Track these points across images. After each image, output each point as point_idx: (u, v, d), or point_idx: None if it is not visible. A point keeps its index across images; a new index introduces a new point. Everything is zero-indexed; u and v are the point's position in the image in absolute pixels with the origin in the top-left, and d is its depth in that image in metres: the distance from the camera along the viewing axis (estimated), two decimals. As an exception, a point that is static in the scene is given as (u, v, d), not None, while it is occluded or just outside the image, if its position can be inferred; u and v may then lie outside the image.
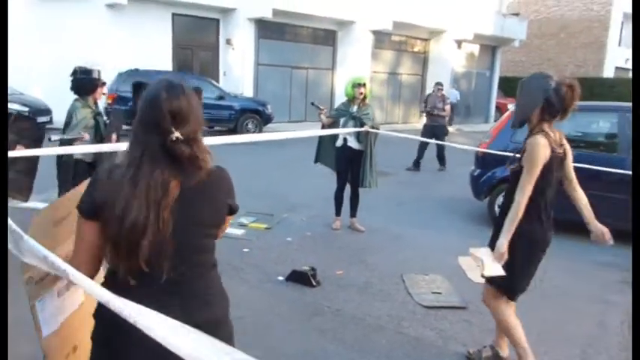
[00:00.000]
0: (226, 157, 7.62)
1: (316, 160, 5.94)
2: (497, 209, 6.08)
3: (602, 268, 4.86)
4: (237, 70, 16.57)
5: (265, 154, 10.71)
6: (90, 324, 1.48)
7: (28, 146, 3.68)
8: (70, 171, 4.39)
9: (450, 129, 12.92)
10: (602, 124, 6.29)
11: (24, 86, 13.04)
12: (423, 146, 9.87)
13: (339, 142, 5.54)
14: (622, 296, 4.23)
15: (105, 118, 4.81)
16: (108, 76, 12.34)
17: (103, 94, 4.81)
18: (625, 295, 4.27)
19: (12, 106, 11.41)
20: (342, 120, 5.51)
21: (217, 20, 16.76)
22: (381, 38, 19.37)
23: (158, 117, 1.40)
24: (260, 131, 13.69)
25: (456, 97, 19.01)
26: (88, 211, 1.40)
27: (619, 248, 5.42)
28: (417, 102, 21.67)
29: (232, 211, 1.61)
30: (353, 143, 5.48)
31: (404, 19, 18.15)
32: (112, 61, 13.39)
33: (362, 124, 5.35)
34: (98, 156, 4.29)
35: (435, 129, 10.10)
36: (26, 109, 11.82)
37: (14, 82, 13.21)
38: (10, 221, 1.39)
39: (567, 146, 2.72)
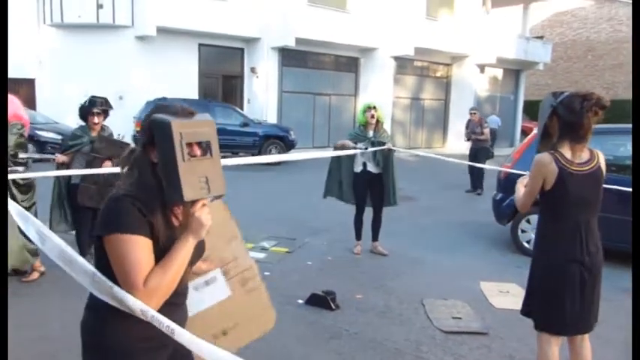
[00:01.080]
0: (249, 182, 7.80)
1: (325, 195, 5.89)
2: (520, 234, 6.03)
3: (630, 294, 4.72)
4: (262, 98, 16.91)
5: (287, 179, 10.83)
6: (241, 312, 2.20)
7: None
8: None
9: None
10: (630, 146, 6.16)
11: (58, 115, 13.56)
12: (471, 170, 10.03)
13: (358, 168, 5.56)
14: (650, 323, 4.10)
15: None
16: (137, 105, 12.79)
17: (100, 124, 4.79)
18: (654, 321, 4.14)
19: (47, 135, 11.88)
20: (360, 146, 5.54)
21: (242, 49, 17.22)
22: (403, 64, 19.54)
23: None
24: (283, 157, 13.86)
25: (497, 123, 18.94)
26: None
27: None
28: (440, 127, 21.68)
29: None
30: (372, 168, 5.52)
31: (425, 44, 18.30)
32: (141, 90, 13.86)
33: (380, 143, 5.43)
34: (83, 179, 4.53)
35: (476, 152, 10.34)
36: (59, 137, 12.26)
37: (49, 112, 13.78)
38: (61, 242, 1.55)
39: (602, 166, 2.49)
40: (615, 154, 6.04)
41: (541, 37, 24.16)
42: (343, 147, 5.50)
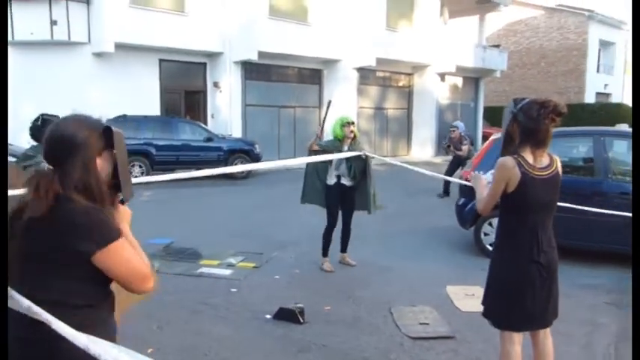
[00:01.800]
0: (215, 197, 7.70)
1: (303, 201, 5.76)
2: (482, 237, 6.15)
3: (588, 290, 4.88)
4: (225, 112, 16.79)
5: (253, 193, 10.75)
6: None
7: None
8: None
9: (438, 160, 13.16)
10: (581, 148, 6.43)
11: (11, 137, 13.08)
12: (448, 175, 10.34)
13: (332, 181, 5.48)
14: (610, 318, 4.23)
15: None
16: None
17: None
18: (612, 316, 4.27)
19: None
20: (335, 160, 5.38)
21: (204, 64, 17.09)
22: (365, 75, 19.79)
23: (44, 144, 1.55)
24: (249, 171, 13.77)
25: (462, 129, 19.36)
26: None
27: (603, 269, 5.50)
28: (404, 135, 22.00)
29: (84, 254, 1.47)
30: (346, 181, 5.46)
31: (387, 55, 18.61)
32: (100, 108, 13.48)
33: (351, 165, 5.37)
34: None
35: (459, 159, 10.92)
36: (13, 159, 11.84)
37: (3, 133, 13.32)
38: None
39: (559, 171, 2.59)
40: (569, 155, 6.30)
41: (497, 46, 24.91)
42: (312, 148, 5.44)
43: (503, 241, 2.65)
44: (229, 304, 4.49)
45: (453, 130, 11.25)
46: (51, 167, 1.49)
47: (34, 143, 4.68)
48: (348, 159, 5.35)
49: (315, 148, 5.47)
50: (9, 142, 12.38)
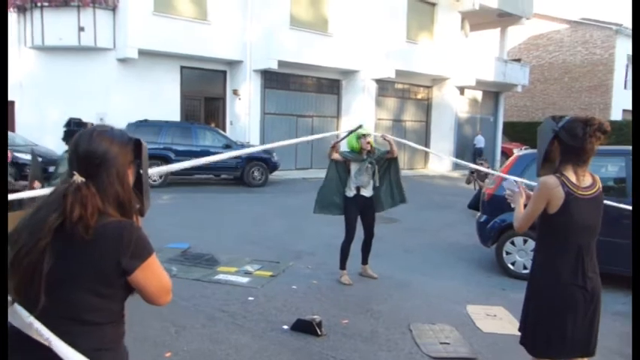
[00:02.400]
0: (232, 204, 7.66)
1: (316, 210, 5.58)
2: (505, 256, 6.03)
3: (619, 318, 4.71)
4: (244, 120, 16.90)
5: (271, 201, 10.74)
6: None
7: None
8: None
9: (455, 174, 13.09)
10: (611, 168, 6.25)
11: (37, 137, 13.35)
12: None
13: (351, 193, 5.40)
14: (637, 345, 4.09)
15: None
16: (118, 127, 12.68)
17: None
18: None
19: (25, 157, 11.65)
20: (354, 169, 5.35)
21: (224, 72, 17.25)
22: (384, 86, 19.77)
23: (70, 157, 1.50)
24: (266, 179, 13.82)
25: (482, 143, 19.38)
26: None
27: (629, 296, 5.33)
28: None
29: (124, 271, 1.45)
30: (366, 192, 5.41)
31: (406, 67, 18.57)
32: (122, 112, 13.74)
33: (375, 170, 5.39)
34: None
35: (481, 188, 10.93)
36: (40, 159, 12.00)
37: (28, 134, 13.55)
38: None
39: (601, 189, 2.50)
40: (598, 175, 6.12)
41: (518, 60, 24.75)
42: (334, 157, 5.41)
43: (544, 265, 2.51)
44: (246, 313, 4.46)
45: (481, 163, 11.25)
46: (83, 180, 1.45)
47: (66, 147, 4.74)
48: (370, 163, 5.35)
49: (337, 157, 5.41)
50: (35, 143, 12.47)
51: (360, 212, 5.47)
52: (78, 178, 1.43)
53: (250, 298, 4.85)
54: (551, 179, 2.40)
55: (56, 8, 14.15)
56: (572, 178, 2.42)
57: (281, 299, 4.86)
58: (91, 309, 1.44)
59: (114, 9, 14.58)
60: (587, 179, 2.45)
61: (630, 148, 6.28)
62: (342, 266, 5.55)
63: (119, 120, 12.62)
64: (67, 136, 4.69)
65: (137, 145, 1.57)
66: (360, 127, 5.41)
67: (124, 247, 1.42)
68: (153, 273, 1.50)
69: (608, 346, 4.05)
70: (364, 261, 5.69)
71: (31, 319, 1.38)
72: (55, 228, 1.39)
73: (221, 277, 5.47)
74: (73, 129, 4.67)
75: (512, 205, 2.71)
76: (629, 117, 28.58)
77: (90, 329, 1.44)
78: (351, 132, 5.30)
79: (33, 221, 1.43)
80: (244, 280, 5.42)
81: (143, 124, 12.93)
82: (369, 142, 5.34)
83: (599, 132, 2.35)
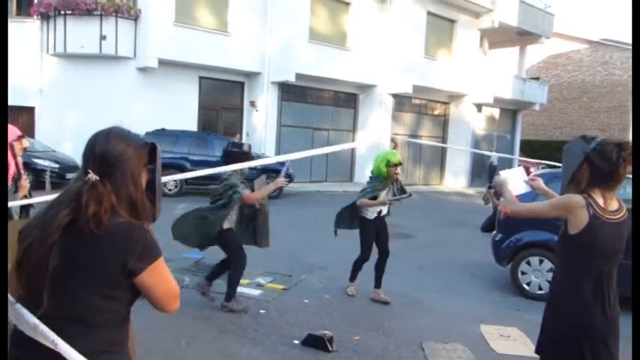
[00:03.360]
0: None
1: (337, 231, 5.61)
2: (520, 275, 5.93)
3: (628, 342, 4.60)
4: (260, 131, 16.99)
5: (285, 213, 10.73)
6: None
7: None
8: None
9: (471, 191, 12.95)
10: (629, 189, 6.15)
11: (56, 143, 13.55)
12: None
13: (372, 215, 5.31)
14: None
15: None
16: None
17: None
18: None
19: (44, 163, 11.83)
20: (382, 195, 5.28)
21: (242, 83, 17.40)
22: (401, 101, 19.76)
23: (86, 156, 1.51)
24: (281, 191, 13.80)
25: (496, 159, 19.23)
26: None
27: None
28: (437, 164, 21.77)
29: (130, 272, 1.45)
30: (384, 211, 5.39)
31: (423, 83, 18.57)
32: (141, 120, 13.90)
33: (402, 190, 5.38)
34: None
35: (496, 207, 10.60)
36: (57, 165, 12.19)
37: (47, 140, 13.77)
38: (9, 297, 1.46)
39: (628, 214, 2.41)
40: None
41: (537, 79, 24.57)
42: (365, 204, 5.29)
43: (565, 289, 2.42)
44: (257, 326, 4.43)
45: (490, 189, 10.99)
46: (98, 178, 1.46)
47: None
48: (393, 184, 5.30)
49: (368, 202, 5.26)
50: (52, 149, 12.63)
51: (378, 233, 5.38)
52: (93, 177, 1.44)
53: (262, 311, 4.82)
54: (577, 198, 2.32)
55: (79, 17, 14.41)
56: (600, 201, 2.33)
57: (292, 313, 4.83)
58: (95, 309, 1.43)
59: (136, 18, 14.82)
60: (614, 203, 2.37)
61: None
62: (352, 279, 5.52)
63: (137, 128, 12.66)
64: (226, 157, 4.91)
65: (152, 149, 1.58)
66: (392, 139, 5.41)
67: (132, 248, 1.43)
68: (160, 276, 1.49)
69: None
70: (377, 284, 5.43)
71: (36, 321, 1.37)
72: (65, 225, 1.40)
73: (233, 288, 5.44)
74: (232, 150, 4.95)
75: (500, 192, 2.64)
76: (650, 138, 28.13)
77: (93, 331, 1.44)
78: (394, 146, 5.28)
79: (44, 218, 1.45)
80: (256, 292, 5.39)
81: (160, 133, 13.05)
82: (397, 173, 5.20)
83: (628, 154, 2.28)
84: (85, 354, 1.35)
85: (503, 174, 2.74)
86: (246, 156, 4.84)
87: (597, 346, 2.34)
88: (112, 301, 1.46)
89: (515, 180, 2.71)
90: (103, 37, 14.52)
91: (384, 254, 5.42)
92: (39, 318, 1.38)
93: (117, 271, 1.42)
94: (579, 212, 2.30)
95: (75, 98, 14.78)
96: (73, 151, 13.64)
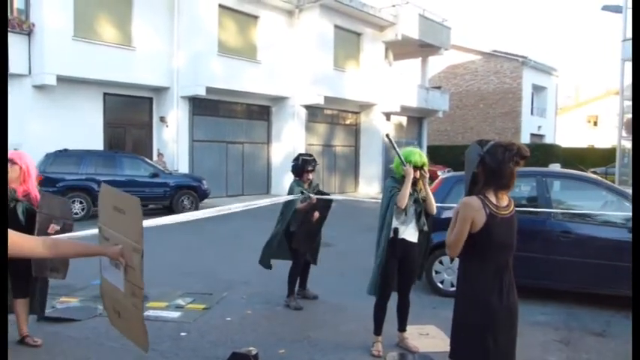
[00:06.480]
0: (160, 235, 7.32)
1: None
2: (434, 275, 6.23)
3: (539, 328, 4.99)
4: (172, 147, 16.49)
5: (199, 230, 10.46)
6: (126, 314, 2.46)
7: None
8: None
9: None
10: (524, 187, 6.71)
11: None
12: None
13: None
14: (560, 355, 4.34)
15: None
16: (35, 157, 11.94)
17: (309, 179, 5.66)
18: (563, 352, 4.39)
19: None
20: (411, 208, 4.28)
21: (150, 99, 16.82)
22: (314, 112, 20.10)
23: None
24: (196, 207, 13.46)
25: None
26: None
27: (553, 306, 5.68)
28: (352, 172, 22.34)
29: None
30: (410, 235, 4.24)
31: (334, 94, 19.06)
32: (39, 141, 12.98)
33: (421, 211, 4.24)
34: None
35: None
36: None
37: None
38: None
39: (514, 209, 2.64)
40: (512, 195, 6.55)
41: (439, 88, 26.10)
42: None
43: (465, 283, 2.64)
44: (178, 350, 4.28)
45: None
46: None
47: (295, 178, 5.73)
48: (416, 202, 4.25)
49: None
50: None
51: (400, 261, 4.37)
52: None
53: (182, 334, 4.66)
54: (474, 200, 2.54)
55: (-38, 31, 13.25)
56: (493, 199, 2.57)
57: (215, 332, 4.72)
58: None
59: (29, 33, 13.86)
60: (504, 199, 2.62)
61: (541, 169, 6.79)
62: (378, 330, 4.49)
63: (36, 150, 11.94)
64: (295, 170, 5.64)
65: None
66: (387, 135, 4.67)
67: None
68: None
69: (531, 356, 4.27)
70: (402, 327, 4.62)
71: None
72: None
73: (151, 313, 5.20)
74: (300, 164, 5.59)
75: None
76: (536, 140, 31.01)
77: None
78: (393, 145, 4.50)
79: None
80: (176, 314, 5.21)
81: (62, 154, 12.27)
82: (422, 175, 4.27)
83: (518, 157, 2.52)
84: None
85: None
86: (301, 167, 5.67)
87: (497, 334, 2.55)
88: None
89: None
90: (-9, 53, 13.39)
91: (403, 291, 4.66)
92: None
93: None
94: (478, 215, 2.52)
95: (-39, 119, 13.48)
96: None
